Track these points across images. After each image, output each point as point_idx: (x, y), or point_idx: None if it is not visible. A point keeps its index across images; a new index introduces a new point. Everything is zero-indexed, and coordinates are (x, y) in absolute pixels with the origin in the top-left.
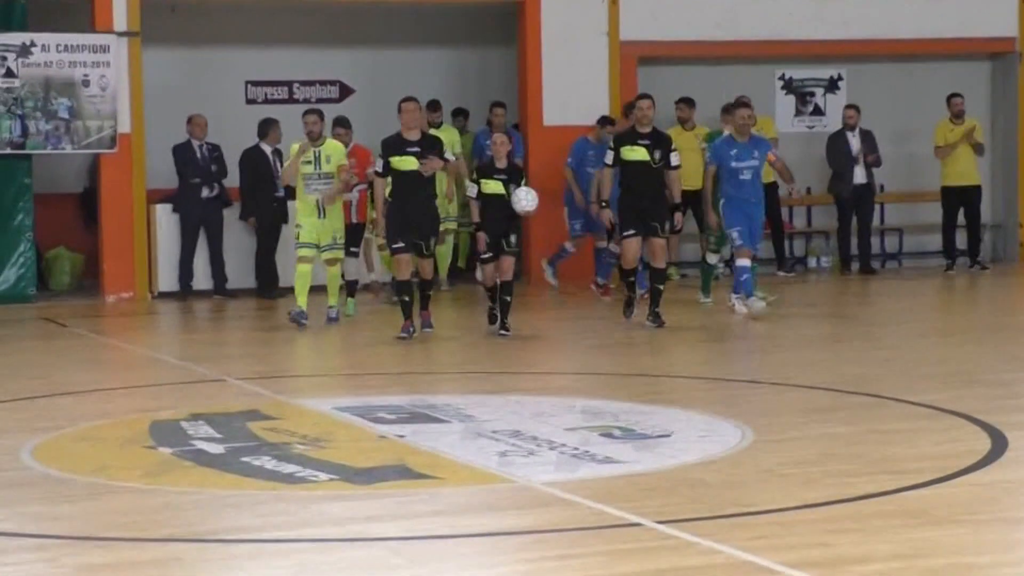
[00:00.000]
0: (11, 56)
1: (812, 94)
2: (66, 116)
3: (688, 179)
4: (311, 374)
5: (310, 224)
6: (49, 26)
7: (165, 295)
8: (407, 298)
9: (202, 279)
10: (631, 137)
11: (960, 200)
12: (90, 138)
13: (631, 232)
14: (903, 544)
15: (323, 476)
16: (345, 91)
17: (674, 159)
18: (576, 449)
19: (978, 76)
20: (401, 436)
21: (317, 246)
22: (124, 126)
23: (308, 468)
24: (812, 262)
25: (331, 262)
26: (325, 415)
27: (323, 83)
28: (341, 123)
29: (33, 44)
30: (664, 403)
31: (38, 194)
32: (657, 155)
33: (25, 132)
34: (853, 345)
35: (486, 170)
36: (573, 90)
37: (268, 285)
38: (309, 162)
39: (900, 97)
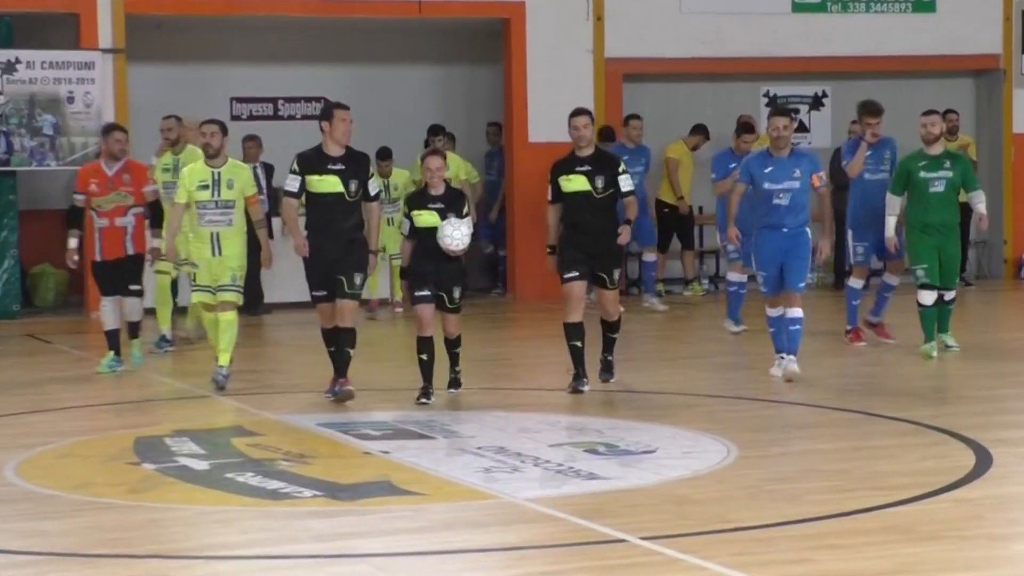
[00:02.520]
0: None
1: (797, 111)
2: (51, 132)
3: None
4: (295, 390)
5: (205, 263)
6: (34, 43)
7: (149, 311)
8: (333, 349)
9: (186, 295)
10: (568, 164)
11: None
12: (75, 155)
13: (573, 275)
14: (887, 560)
15: (307, 492)
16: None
17: (624, 183)
18: (561, 465)
19: (963, 93)
20: (386, 452)
21: (213, 289)
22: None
23: (292, 484)
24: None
25: (226, 306)
26: (309, 431)
27: (308, 100)
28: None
29: (18, 61)
30: (649, 419)
31: (23, 211)
32: (600, 182)
33: (10, 149)
34: (838, 361)
35: (418, 200)
36: (558, 107)
37: (254, 301)
38: (206, 186)
39: (885, 114)
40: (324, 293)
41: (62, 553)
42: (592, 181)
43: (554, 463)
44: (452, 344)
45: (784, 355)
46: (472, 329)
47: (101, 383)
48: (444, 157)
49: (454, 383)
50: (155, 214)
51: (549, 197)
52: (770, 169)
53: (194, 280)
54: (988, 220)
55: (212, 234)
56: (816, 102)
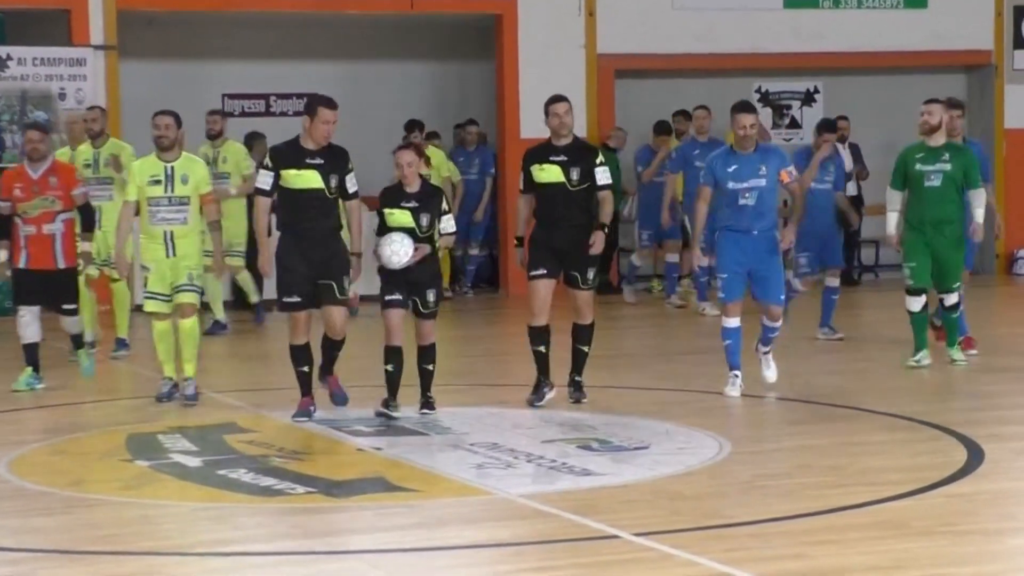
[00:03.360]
0: None
1: (789, 107)
2: None
3: None
4: (289, 387)
5: (158, 265)
6: (25, 39)
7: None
8: (306, 368)
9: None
10: (542, 153)
11: None
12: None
13: (540, 272)
14: (880, 556)
15: (301, 489)
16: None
17: (601, 176)
18: (554, 461)
19: (954, 88)
20: (379, 449)
21: (169, 296)
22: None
23: (286, 481)
24: (790, 275)
25: (185, 310)
26: (303, 428)
27: (300, 95)
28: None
29: (9, 57)
30: (642, 415)
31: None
32: (575, 174)
33: (1, 145)
34: (831, 357)
35: (391, 197)
36: None
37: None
38: (158, 182)
39: (876, 110)
40: (299, 300)
41: (55, 550)
42: (567, 172)
43: (547, 459)
44: (425, 357)
45: (737, 372)
46: (465, 326)
47: (95, 380)
48: (418, 151)
49: (427, 405)
50: (86, 217)
51: (520, 186)
52: (734, 167)
53: (145, 286)
54: (982, 230)
55: (165, 233)
56: (808, 98)
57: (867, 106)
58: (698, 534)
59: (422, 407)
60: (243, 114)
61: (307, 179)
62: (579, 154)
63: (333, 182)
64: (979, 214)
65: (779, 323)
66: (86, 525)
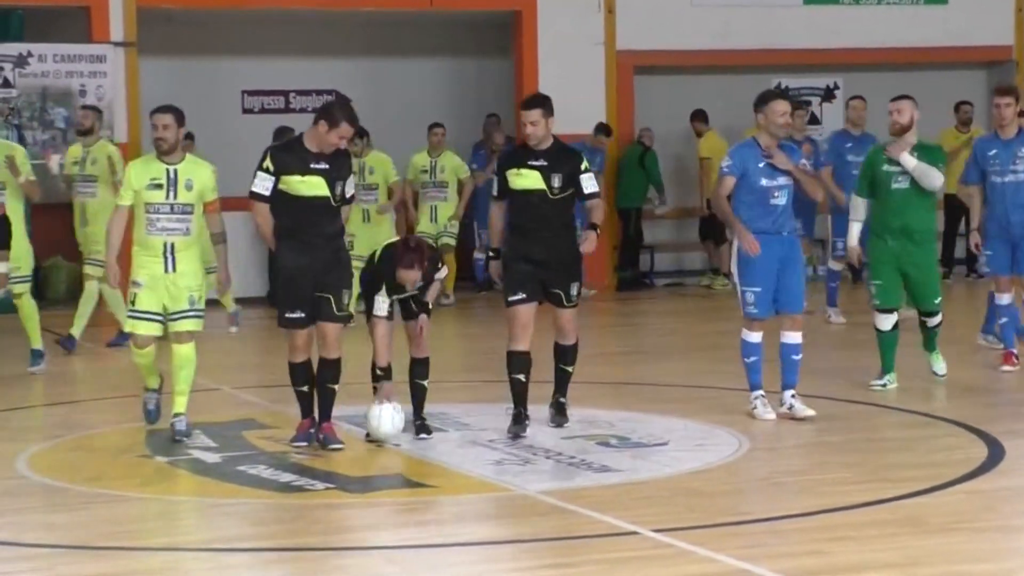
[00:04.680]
0: (8, 66)
1: (808, 103)
2: (63, 126)
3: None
4: None
5: (153, 282)
6: (46, 36)
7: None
8: (305, 388)
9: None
10: (519, 157)
11: (964, 209)
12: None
13: (520, 296)
14: (899, 552)
15: (319, 485)
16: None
17: (587, 184)
18: (572, 458)
19: (975, 84)
20: (397, 445)
21: (163, 317)
22: (121, 136)
23: (304, 477)
24: (810, 270)
25: (183, 337)
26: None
27: (319, 92)
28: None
29: (30, 54)
30: (660, 412)
31: (34, 204)
32: (557, 181)
33: (22, 142)
34: (849, 354)
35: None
36: (569, 100)
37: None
38: (159, 186)
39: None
40: (303, 315)
41: (73, 546)
42: (547, 179)
43: (566, 455)
44: (418, 371)
45: (763, 391)
46: (478, 322)
47: (113, 376)
48: (420, 265)
49: (423, 429)
50: (2, 232)
51: (494, 192)
52: (765, 163)
53: (133, 304)
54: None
55: (165, 245)
56: (828, 94)
57: (886, 102)
58: (716, 530)
59: (418, 432)
60: (263, 111)
61: (313, 186)
62: (561, 159)
63: (339, 189)
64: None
65: (800, 338)
66: (105, 521)
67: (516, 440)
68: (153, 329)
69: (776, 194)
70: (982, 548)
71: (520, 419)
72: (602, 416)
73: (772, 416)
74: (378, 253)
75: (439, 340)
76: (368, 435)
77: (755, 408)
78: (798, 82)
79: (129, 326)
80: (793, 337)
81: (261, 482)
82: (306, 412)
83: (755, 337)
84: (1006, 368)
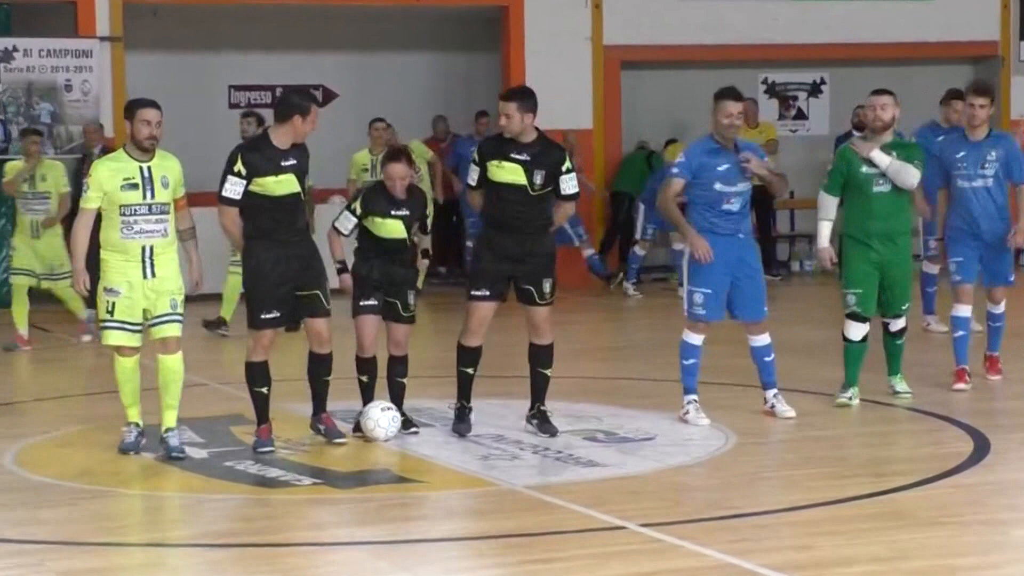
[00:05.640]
0: None
1: (795, 98)
2: (48, 121)
3: None
4: (294, 378)
5: (132, 289)
6: (32, 31)
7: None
8: (265, 389)
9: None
10: (501, 148)
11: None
12: (73, 143)
13: (484, 293)
14: (886, 546)
15: (307, 480)
16: (328, 95)
17: (568, 185)
18: (560, 453)
19: (961, 80)
20: (385, 440)
21: (140, 326)
22: (107, 130)
23: (292, 472)
24: (796, 266)
25: (169, 345)
26: (309, 419)
27: (307, 87)
28: None
29: (15, 49)
30: (648, 407)
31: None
32: (539, 178)
33: (7, 137)
34: (836, 348)
35: (381, 204)
36: (557, 95)
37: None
38: (135, 186)
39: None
40: (278, 316)
41: (61, 541)
42: (530, 174)
43: (553, 451)
44: (397, 369)
45: (696, 396)
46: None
47: (101, 372)
48: (408, 160)
49: (408, 424)
50: None
51: (471, 181)
52: (725, 167)
53: (110, 313)
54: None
55: (144, 249)
56: (815, 89)
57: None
58: (703, 525)
59: (403, 426)
60: (248, 105)
61: (286, 184)
62: (545, 155)
63: (306, 183)
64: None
65: (769, 338)
66: (92, 517)
67: (463, 439)
68: (134, 340)
69: (731, 200)
70: (968, 542)
71: (464, 415)
72: (589, 411)
73: (706, 422)
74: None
75: (425, 337)
76: (356, 427)
77: (687, 413)
78: (785, 77)
79: (106, 338)
80: (761, 340)
81: (249, 477)
82: (263, 417)
83: (696, 339)
84: (959, 387)
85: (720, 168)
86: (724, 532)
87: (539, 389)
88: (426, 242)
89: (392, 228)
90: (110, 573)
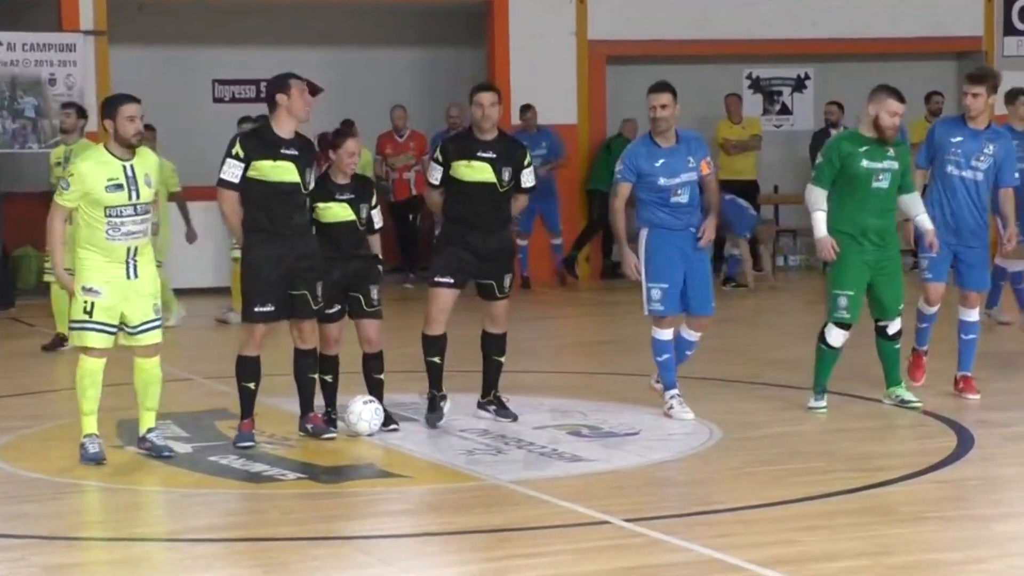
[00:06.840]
0: None
1: (779, 93)
2: (32, 115)
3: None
4: (279, 373)
5: (113, 290)
6: (15, 25)
7: None
8: (253, 385)
9: (179, 278)
10: (468, 147)
11: None
12: (57, 137)
13: (447, 280)
14: (870, 541)
15: (291, 475)
16: (313, 90)
17: (528, 179)
18: (544, 448)
19: (945, 75)
20: (369, 435)
21: (116, 328)
22: (91, 124)
23: (276, 467)
24: (780, 260)
25: (150, 349)
26: (293, 414)
27: None
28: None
29: None
30: (632, 401)
31: (4, 193)
32: (507, 175)
33: None
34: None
35: (324, 189)
36: (542, 90)
37: None
38: (119, 186)
39: (867, 96)
40: (271, 310)
41: (45, 536)
42: (498, 172)
43: (538, 445)
44: (373, 365)
45: (677, 390)
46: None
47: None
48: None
49: (388, 420)
50: None
51: (434, 180)
52: (662, 162)
53: (88, 313)
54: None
55: (129, 250)
56: (799, 84)
57: (857, 92)
58: (688, 520)
59: (385, 423)
60: (233, 100)
61: (284, 171)
62: (510, 152)
63: (308, 176)
64: (926, 220)
65: (700, 334)
66: (76, 511)
67: (435, 428)
68: (108, 342)
69: (678, 192)
70: (952, 537)
71: (436, 404)
72: (574, 406)
73: (690, 415)
74: None
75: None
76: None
77: (671, 408)
78: (770, 72)
79: (80, 339)
80: (694, 335)
81: (233, 472)
82: (247, 411)
83: (666, 335)
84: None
85: (658, 163)
86: (708, 527)
87: (494, 376)
88: (376, 245)
89: (337, 212)
90: (93, 568)
